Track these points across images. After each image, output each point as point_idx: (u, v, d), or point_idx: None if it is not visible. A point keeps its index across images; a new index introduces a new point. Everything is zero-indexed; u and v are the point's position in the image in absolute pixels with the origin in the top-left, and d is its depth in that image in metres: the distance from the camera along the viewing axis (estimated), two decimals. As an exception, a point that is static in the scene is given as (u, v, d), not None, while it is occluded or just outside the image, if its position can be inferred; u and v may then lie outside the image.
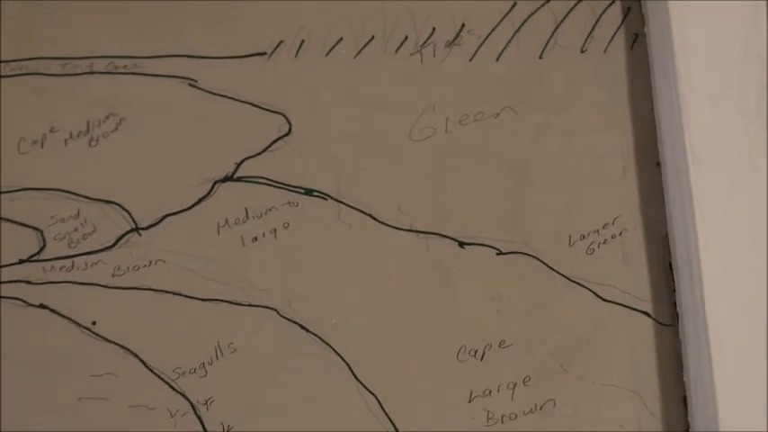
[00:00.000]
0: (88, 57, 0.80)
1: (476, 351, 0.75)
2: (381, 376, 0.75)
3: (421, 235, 0.77)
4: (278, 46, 0.80)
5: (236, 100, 0.79)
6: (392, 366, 0.75)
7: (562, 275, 0.76)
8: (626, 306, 0.75)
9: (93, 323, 0.75)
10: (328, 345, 0.75)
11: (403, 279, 0.76)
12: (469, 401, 0.74)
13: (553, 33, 0.80)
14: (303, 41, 0.80)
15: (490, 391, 0.74)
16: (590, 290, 0.75)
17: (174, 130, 0.79)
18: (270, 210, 0.77)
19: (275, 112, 0.79)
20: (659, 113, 0.77)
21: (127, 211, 0.77)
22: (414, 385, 0.74)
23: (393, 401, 0.74)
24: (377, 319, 0.75)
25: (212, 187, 0.78)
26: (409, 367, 0.75)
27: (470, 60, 0.80)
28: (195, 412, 0.74)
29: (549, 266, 0.76)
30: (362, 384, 0.74)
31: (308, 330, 0.75)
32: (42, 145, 0.79)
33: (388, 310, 0.76)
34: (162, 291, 0.76)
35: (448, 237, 0.77)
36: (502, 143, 0.79)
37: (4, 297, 0.75)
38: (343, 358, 0.75)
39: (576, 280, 0.76)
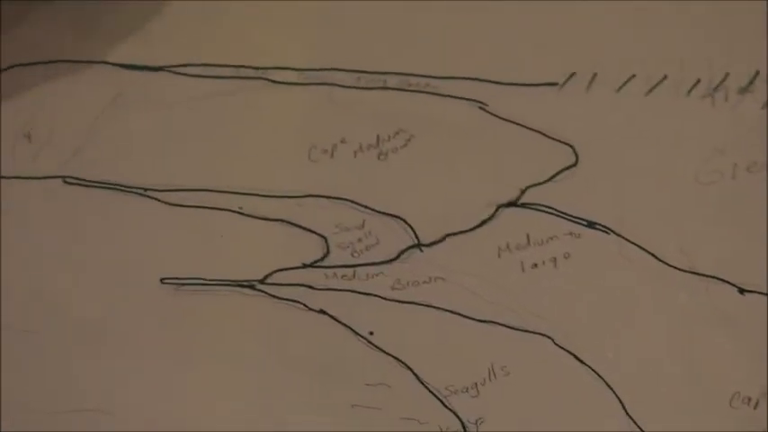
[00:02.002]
0: (382, 72, 0.81)
1: (749, 399, 0.74)
2: (653, 415, 0.74)
3: (701, 278, 0.77)
4: (570, 77, 0.80)
5: (525, 127, 0.80)
6: (664, 406, 0.74)
7: None
8: None
9: (371, 333, 0.77)
10: (601, 378, 0.75)
11: (680, 320, 0.76)
12: (743, 451, 0.73)
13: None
14: (595, 75, 0.80)
15: (763, 442, 0.73)
16: None
17: (462, 151, 0.80)
18: (551, 238, 0.78)
19: (563, 142, 0.80)
20: None
21: (410, 226, 0.78)
22: (685, 428, 0.74)
23: (664, 442, 0.74)
24: (652, 357, 0.76)
25: (496, 210, 0.79)
26: (681, 409, 0.75)
27: (762, 108, 0.79)
28: (465, 431, 0.74)
29: (833, 323, 0.75)
30: (634, 421, 0.74)
31: (581, 362, 0.75)
32: (332, 154, 0.80)
33: (663, 349, 0.76)
34: (440, 308, 0.77)
35: (728, 282, 0.76)
36: (788, 194, 0.78)
37: (287, 299, 0.77)
38: (615, 393, 0.75)
39: None
